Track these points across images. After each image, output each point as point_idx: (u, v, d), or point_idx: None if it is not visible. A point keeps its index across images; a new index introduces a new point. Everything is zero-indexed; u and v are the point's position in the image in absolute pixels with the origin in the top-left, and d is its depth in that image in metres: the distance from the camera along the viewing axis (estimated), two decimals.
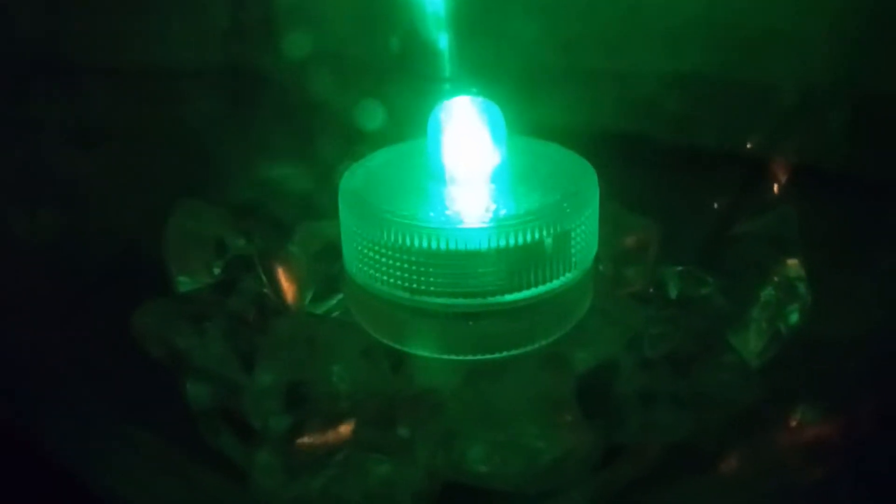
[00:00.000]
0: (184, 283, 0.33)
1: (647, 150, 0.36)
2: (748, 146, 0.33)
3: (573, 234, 0.28)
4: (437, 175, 0.29)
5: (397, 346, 0.29)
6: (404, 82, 0.38)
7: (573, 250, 0.28)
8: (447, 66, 0.36)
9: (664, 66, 0.36)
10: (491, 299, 0.27)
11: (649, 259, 0.35)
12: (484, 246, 0.27)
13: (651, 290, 0.33)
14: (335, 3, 0.38)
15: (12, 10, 0.38)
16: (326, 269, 0.35)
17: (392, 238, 0.27)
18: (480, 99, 0.29)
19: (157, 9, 0.40)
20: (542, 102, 0.36)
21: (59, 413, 0.31)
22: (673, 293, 0.32)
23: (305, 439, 0.26)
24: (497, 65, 0.37)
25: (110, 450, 0.30)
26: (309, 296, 0.35)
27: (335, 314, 0.34)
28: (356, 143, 0.36)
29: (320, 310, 0.35)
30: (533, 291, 0.27)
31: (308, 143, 0.39)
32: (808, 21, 0.35)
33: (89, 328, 0.33)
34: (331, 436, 0.26)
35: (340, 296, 0.34)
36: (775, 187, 0.33)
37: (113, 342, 0.33)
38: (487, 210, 0.27)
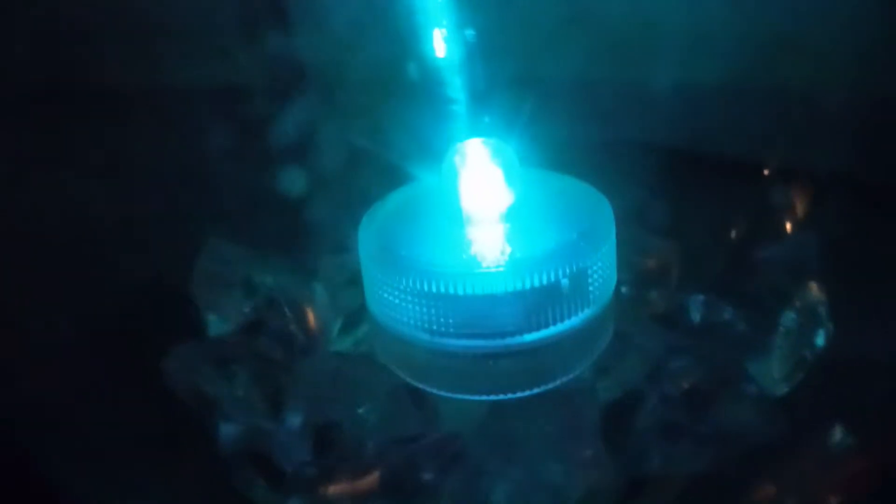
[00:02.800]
0: (214, 325, 0.34)
1: (665, 165, 0.36)
2: (766, 171, 0.33)
3: (590, 272, 0.28)
4: (453, 216, 0.29)
5: (420, 386, 0.29)
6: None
7: (591, 287, 0.28)
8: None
9: (679, 79, 0.36)
10: (510, 340, 0.28)
11: (671, 281, 0.35)
12: (500, 289, 0.27)
13: (673, 314, 0.33)
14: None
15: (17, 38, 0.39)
16: (352, 301, 0.35)
17: (411, 283, 0.28)
18: (494, 140, 0.29)
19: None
20: (559, 118, 0.36)
21: (86, 457, 0.32)
22: (696, 319, 0.32)
23: (333, 489, 0.26)
24: (511, 80, 0.36)
25: (138, 495, 0.30)
26: (336, 329, 0.35)
27: (362, 348, 0.35)
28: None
29: (348, 341, 0.36)
30: (551, 330, 0.28)
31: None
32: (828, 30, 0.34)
33: (114, 371, 0.34)
34: (358, 486, 0.26)
35: (365, 327, 0.35)
36: (796, 210, 0.32)
37: (141, 385, 0.33)
38: (503, 252, 0.28)
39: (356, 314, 0.36)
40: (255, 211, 0.39)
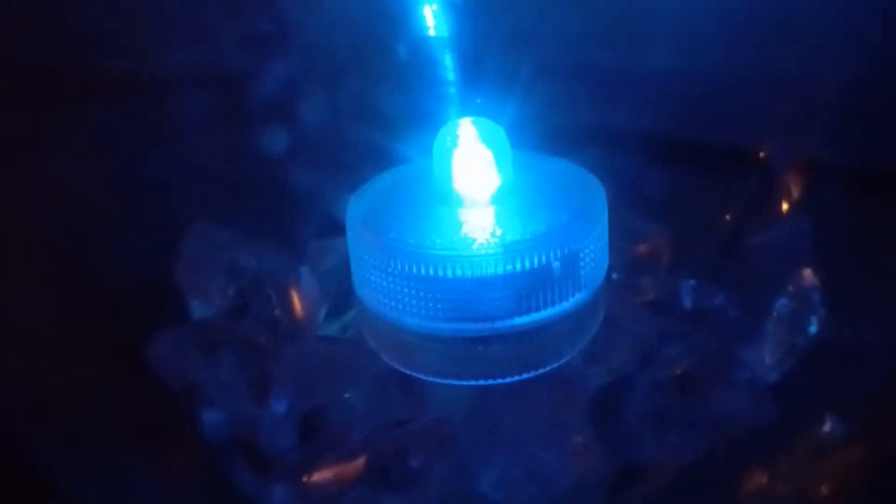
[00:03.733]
0: (197, 308, 0.33)
1: (658, 151, 0.36)
2: (761, 154, 0.33)
3: (582, 256, 0.27)
4: (442, 198, 0.29)
5: (408, 371, 0.29)
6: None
7: (582, 271, 0.28)
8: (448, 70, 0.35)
9: (673, 64, 0.35)
10: (500, 323, 0.27)
11: (662, 267, 0.35)
12: (491, 272, 0.26)
13: (664, 300, 0.33)
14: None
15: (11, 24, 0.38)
16: (339, 286, 0.35)
17: (399, 265, 0.27)
18: (485, 120, 0.29)
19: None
20: (551, 102, 0.36)
21: (68, 443, 0.32)
22: (687, 305, 0.32)
23: (318, 476, 0.26)
24: (505, 64, 0.36)
25: (121, 481, 0.30)
26: (322, 314, 0.35)
27: (350, 332, 0.34)
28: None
29: (335, 326, 0.35)
30: (542, 314, 0.27)
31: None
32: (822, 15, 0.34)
33: (102, 356, 0.34)
34: (344, 472, 0.26)
35: (353, 312, 0.35)
36: (790, 195, 0.32)
37: (126, 370, 0.33)
38: (494, 234, 0.27)
39: (343, 299, 0.35)
40: (241, 194, 0.38)
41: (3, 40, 0.39)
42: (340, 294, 0.35)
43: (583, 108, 0.33)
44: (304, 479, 0.25)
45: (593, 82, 0.33)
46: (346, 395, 0.29)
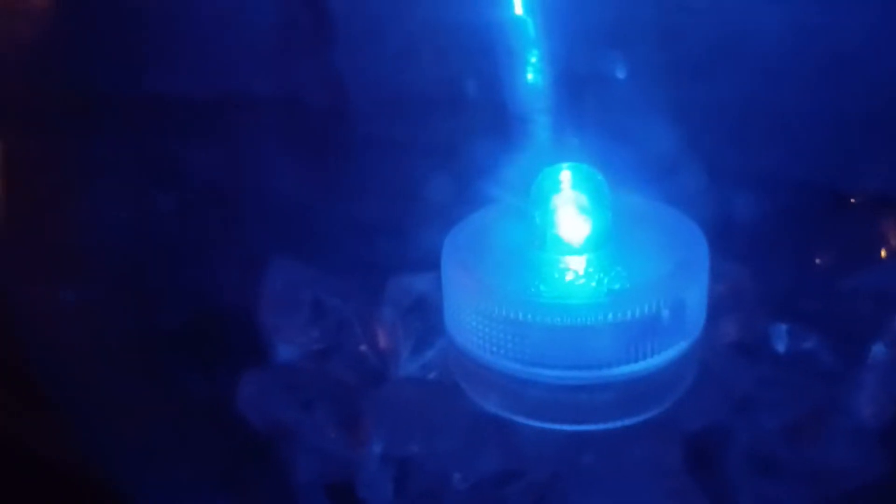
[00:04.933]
0: (283, 349, 0.33)
1: (743, 191, 0.35)
2: (853, 200, 0.33)
3: (687, 303, 0.27)
4: (542, 243, 0.29)
5: (506, 415, 0.29)
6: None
7: (687, 318, 0.27)
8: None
9: (766, 100, 0.35)
10: (605, 371, 0.27)
11: (745, 308, 0.34)
12: (600, 320, 0.26)
13: (756, 344, 0.32)
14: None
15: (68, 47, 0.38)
16: (420, 325, 0.35)
17: (504, 311, 0.27)
18: (584, 165, 0.29)
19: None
20: (632, 141, 0.35)
21: (150, 479, 0.31)
22: (780, 349, 0.31)
23: None
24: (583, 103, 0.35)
25: None
26: (406, 354, 0.35)
27: (433, 373, 0.34)
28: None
29: (416, 365, 0.35)
30: (648, 362, 0.27)
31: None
32: None
33: (176, 393, 0.33)
34: None
35: (435, 351, 0.34)
36: (888, 237, 0.32)
37: (206, 409, 0.33)
38: (600, 282, 0.27)
39: (424, 338, 0.35)
40: (317, 231, 0.38)
41: (62, 64, 0.39)
42: (422, 333, 0.35)
43: (673, 146, 0.32)
44: None
45: (680, 119, 0.33)
46: (440, 441, 0.29)
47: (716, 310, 0.34)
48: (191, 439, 0.33)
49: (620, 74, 0.31)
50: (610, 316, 0.26)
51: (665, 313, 0.27)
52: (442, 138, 0.36)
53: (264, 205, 0.39)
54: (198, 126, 0.39)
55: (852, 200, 0.33)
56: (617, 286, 0.27)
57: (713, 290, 0.34)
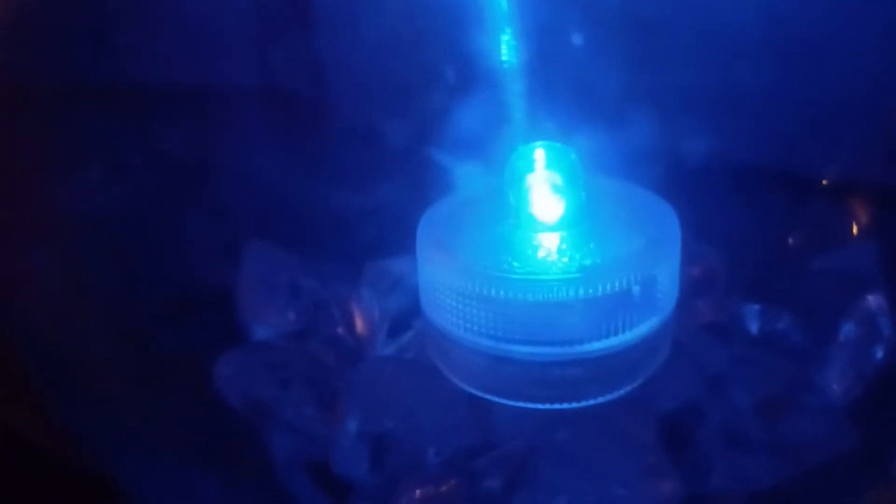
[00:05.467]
0: (260, 331, 0.33)
1: (715, 175, 0.36)
2: (824, 182, 0.33)
3: (659, 279, 0.28)
4: (516, 221, 0.29)
5: (480, 394, 0.29)
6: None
7: (658, 295, 0.28)
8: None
9: (731, 85, 0.35)
10: (578, 347, 0.27)
11: (717, 289, 0.35)
12: (571, 296, 0.26)
13: (728, 324, 0.33)
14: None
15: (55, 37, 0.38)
16: (397, 307, 0.35)
17: (477, 289, 0.27)
18: (557, 144, 0.29)
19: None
20: (605, 124, 0.35)
21: (131, 459, 0.31)
22: (753, 330, 0.32)
23: (405, 501, 0.26)
24: (557, 85, 0.36)
25: (183, 498, 0.30)
26: (383, 335, 0.35)
27: (408, 354, 0.34)
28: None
29: (393, 347, 0.35)
30: (620, 338, 0.27)
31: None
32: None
33: (157, 378, 0.33)
34: (432, 497, 0.25)
35: (412, 333, 0.35)
36: (856, 219, 0.32)
37: (185, 392, 0.33)
38: (573, 258, 0.27)
39: (401, 320, 0.35)
40: (295, 215, 0.38)
41: (41, 51, 0.39)
42: (399, 315, 0.35)
43: (646, 130, 0.33)
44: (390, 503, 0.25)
45: (654, 104, 0.33)
46: (416, 418, 0.29)
47: (689, 291, 0.34)
48: (172, 418, 0.33)
49: (594, 57, 0.32)
50: (581, 291, 0.26)
51: (636, 289, 0.27)
52: (419, 122, 0.36)
53: (244, 190, 0.39)
54: (177, 112, 0.39)
55: (823, 182, 0.33)
56: (588, 262, 0.27)
57: (687, 273, 0.35)
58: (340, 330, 0.33)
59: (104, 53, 0.40)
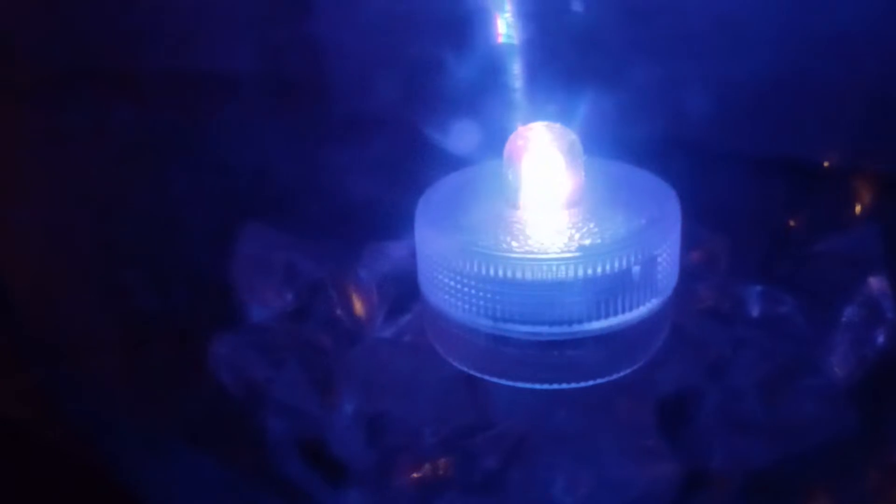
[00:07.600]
0: (256, 312, 0.33)
1: (718, 160, 0.36)
2: (825, 164, 0.33)
3: (659, 260, 0.27)
4: (515, 201, 0.29)
5: (479, 375, 0.29)
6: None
7: (659, 276, 0.27)
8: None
9: (738, 73, 0.35)
10: (577, 327, 0.27)
11: (720, 273, 0.35)
12: (570, 275, 0.26)
13: (730, 307, 0.32)
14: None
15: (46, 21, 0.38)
16: (395, 290, 0.35)
17: (475, 268, 0.27)
18: (556, 125, 0.29)
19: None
20: (611, 109, 0.35)
21: (126, 441, 0.31)
22: (754, 313, 0.32)
23: (397, 480, 0.25)
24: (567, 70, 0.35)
25: (179, 479, 0.30)
26: (381, 317, 0.34)
27: (406, 337, 0.34)
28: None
29: (391, 330, 0.35)
30: (619, 319, 0.27)
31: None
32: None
33: (157, 362, 0.33)
34: (423, 477, 0.25)
35: (409, 316, 0.34)
36: (859, 202, 0.32)
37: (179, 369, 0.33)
38: (571, 238, 0.27)
39: (399, 302, 0.35)
40: (295, 197, 0.38)
41: (55, 38, 0.39)
42: (397, 298, 0.35)
43: (649, 116, 0.32)
44: (383, 483, 0.25)
45: (658, 92, 0.33)
46: (415, 401, 0.29)
47: (691, 275, 0.34)
48: (166, 400, 0.33)
49: (597, 39, 0.31)
50: (581, 271, 0.26)
51: (636, 269, 0.27)
52: (417, 103, 0.35)
53: (243, 172, 0.39)
54: (178, 96, 0.39)
55: (825, 165, 0.33)
56: (588, 241, 0.27)
57: (689, 257, 0.34)
58: (338, 311, 0.33)
59: (109, 37, 0.40)
